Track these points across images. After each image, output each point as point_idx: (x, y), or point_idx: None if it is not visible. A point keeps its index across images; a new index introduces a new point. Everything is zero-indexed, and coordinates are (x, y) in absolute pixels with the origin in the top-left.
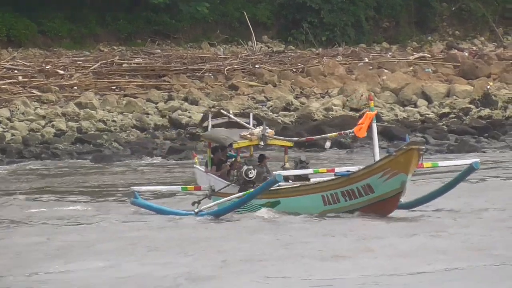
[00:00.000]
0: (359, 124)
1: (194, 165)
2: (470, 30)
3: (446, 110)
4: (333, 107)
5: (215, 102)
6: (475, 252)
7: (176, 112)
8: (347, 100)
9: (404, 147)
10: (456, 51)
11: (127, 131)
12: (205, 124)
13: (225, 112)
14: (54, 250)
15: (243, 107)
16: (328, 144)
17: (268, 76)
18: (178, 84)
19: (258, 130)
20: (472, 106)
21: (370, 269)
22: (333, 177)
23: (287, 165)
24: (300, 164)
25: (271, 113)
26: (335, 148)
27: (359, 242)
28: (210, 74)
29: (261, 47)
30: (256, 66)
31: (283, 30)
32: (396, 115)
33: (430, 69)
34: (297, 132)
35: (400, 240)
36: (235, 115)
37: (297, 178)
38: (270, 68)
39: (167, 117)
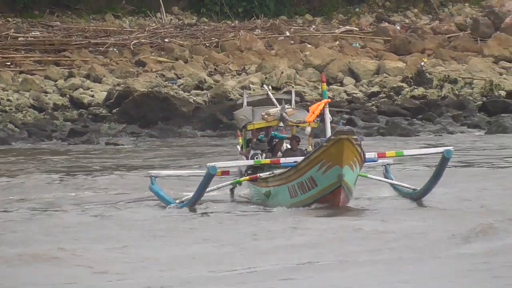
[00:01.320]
0: (312, 111)
1: (238, 146)
2: (402, 1)
3: (376, 89)
4: (250, 85)
5: (120, 80)
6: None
7: (77, 91)
8: (266, 78)
9: (333, 137)
10: (386, 24)
11: (24, 112)
12: (239, 101)
13: (266, 88)
14: None
15: (151, 85)
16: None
17: (179, 51)
18: (80, 60)
19: (275, 109)
20: (404, 84)
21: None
22: (288, 168)
23: (310, 148)
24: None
25: (182, 92)
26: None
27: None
28: (115, 49)
29: (171, 19)
30: (166, 40)
31: (195, 0)
32: (320, 94)
33: (358, 44)
34: (211, 113)
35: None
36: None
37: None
38: (181, 42)
39: (68, 96)
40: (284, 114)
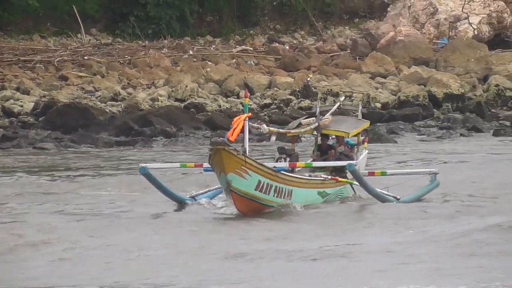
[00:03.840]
0: (233, 127)
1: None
2: (290, 24)
3: (268, 101)
4: (159, 97)
5: (46, 92)
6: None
7: (8, 101)
8: (172, 91)
9: (210, 147)
10: (277, 44)
11: None
12: (313, 110)
13: (340, 100)
14: None
15: (73, 97)
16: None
17: (97, 67)
18: (10, 75)
19: (309, 119)
20: (292, 97)
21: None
22: None
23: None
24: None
25: (99, 103)
26: (161, 138)
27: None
28: (41, 65)
29: (90, 39)
30: (85, 57)
31: (111, 23)
32: (220, 106)
33: (252, 62)
34: (125, 122)
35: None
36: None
37: (335, 171)
38: (98, 59)
39: (0, 106)
40: (319, 122)
